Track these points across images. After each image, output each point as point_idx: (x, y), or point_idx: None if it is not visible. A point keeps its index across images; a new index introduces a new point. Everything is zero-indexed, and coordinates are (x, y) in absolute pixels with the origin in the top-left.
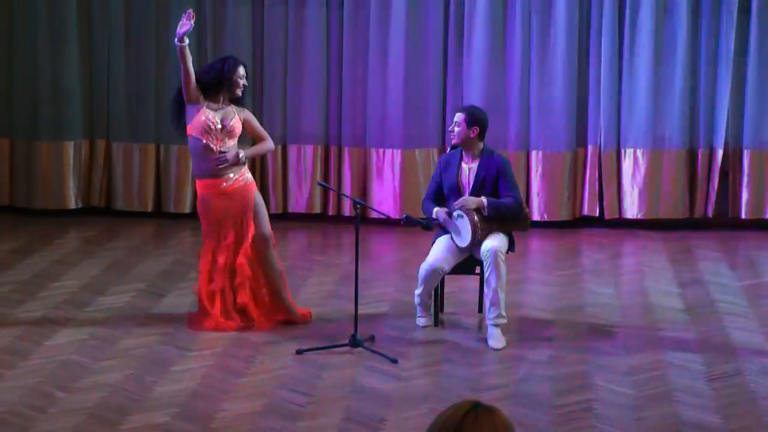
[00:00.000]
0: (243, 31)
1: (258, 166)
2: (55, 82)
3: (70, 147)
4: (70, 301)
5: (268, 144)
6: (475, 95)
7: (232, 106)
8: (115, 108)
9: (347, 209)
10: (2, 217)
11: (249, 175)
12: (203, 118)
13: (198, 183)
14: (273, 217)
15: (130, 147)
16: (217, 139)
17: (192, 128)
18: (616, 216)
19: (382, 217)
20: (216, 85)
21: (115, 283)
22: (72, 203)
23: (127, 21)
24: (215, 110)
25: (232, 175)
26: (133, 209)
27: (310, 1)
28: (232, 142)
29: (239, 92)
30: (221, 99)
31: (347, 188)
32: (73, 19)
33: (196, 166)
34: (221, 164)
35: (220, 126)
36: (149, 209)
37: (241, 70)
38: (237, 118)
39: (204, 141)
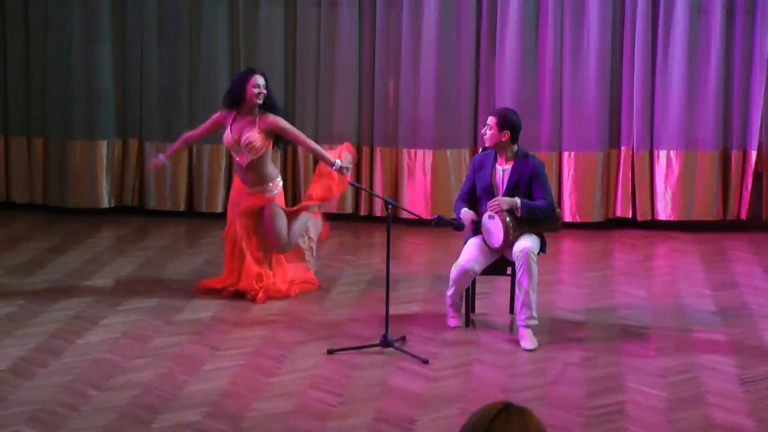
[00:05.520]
0: (276, 32)
1: (290, 165)
2: (88, 82)
3: (103, 146)
4: (102, 300)
5: (311, 144)
6: (507, 96)
7: (259, 116)
8: (148, 107)
9: (379, 209)
10: (36, 215)
11: (278, 192)
12: (228, 136)
13: (234, 178)
14: None
15: (163, 146)
16: (240, 155)
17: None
18: (649, 218)
19: (413, 217)
20: (234, 97)
21: (147, 282)
22: (105, 202)
23: (161, 20)
24: (238, 126)
25: (268, 185)
26: (166, 208)
27: (343, 1)
28: (256, 155)
29: (257, 101)
30: (246, 111)
31: (378, 188)
32: (107, 19)
33: (236, 166)
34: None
35: (235, 143)
36: (181, 208)
37: (256, 79)
38: (255, 131)
39: (232, 155)
